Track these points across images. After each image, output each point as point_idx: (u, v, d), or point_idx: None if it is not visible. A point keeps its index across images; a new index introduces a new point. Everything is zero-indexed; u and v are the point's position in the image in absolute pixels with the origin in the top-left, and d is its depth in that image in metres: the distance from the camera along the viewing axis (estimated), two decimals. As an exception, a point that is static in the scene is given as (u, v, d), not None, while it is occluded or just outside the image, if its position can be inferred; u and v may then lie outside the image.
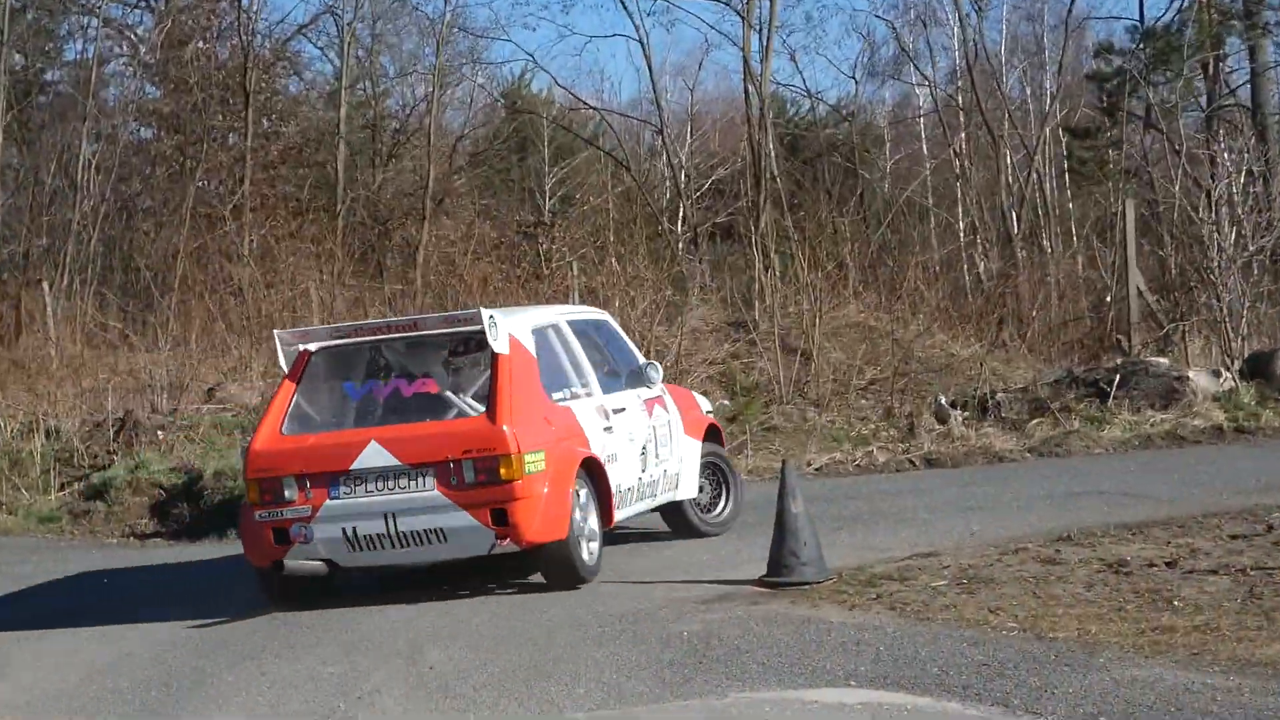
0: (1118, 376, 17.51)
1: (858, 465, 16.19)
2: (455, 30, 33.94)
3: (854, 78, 37.92)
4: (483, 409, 10.44)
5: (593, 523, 10.74)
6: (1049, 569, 9.86)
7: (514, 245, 25.89)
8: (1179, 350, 19.88)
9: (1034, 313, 22.57)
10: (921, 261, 24.80)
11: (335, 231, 28.19)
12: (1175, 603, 8.63)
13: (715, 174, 35.89)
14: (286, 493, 10.39)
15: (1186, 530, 11.03)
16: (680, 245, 29.21)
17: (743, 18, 30.37)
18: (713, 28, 55.52)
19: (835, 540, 11.17)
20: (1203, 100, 33.30)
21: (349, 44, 33.00)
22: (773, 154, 28.98)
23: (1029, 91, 38.98)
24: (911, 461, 16.13)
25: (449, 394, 10.81)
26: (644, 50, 31.74)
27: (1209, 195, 21.31)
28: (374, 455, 10.27)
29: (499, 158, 38.64)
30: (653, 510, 12.09)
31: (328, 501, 10.32)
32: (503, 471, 10.10)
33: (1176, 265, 21.44)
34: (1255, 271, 20.96)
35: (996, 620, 8.51)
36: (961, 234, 30.85)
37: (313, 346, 11.09)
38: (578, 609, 9.71)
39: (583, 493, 10.64)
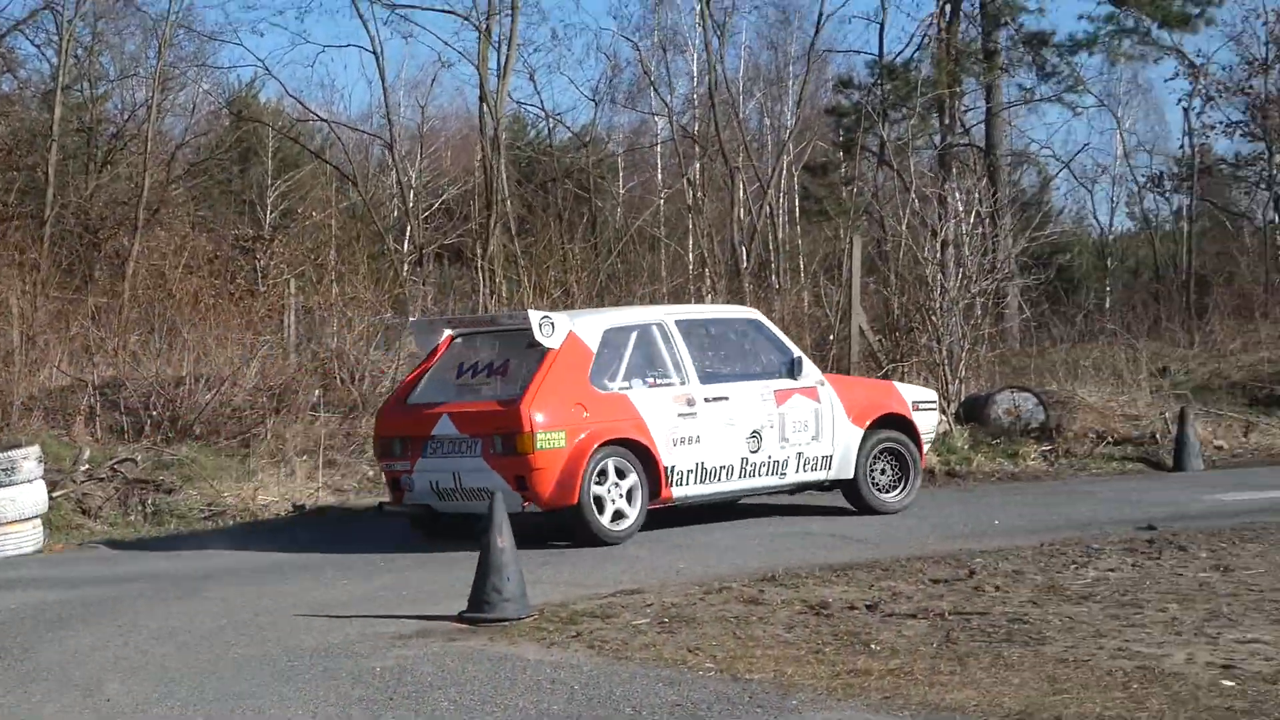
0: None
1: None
2: (181, 31, 33.32)
3: (594, 100, 38.15)
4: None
5: (625, 492, 13.44)
6: (751, 609, 10.05)
7: (229, 260, 25.53)
8: (899, 391, 20.41)
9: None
10: (649, 292, 25.10)
11: (42, 240, 27.49)
12: (873, 645, 8.82)
13: (446, 194, 35.85)
14: (395, 450, 13.95)
15: (890, 573, 11.34)
16: (405, 266, 29.12)
17: (481, 32, 30.39)
18: (448, 44, 55.49)
19: (540, 576, 11.26)
20: (937, 139, 34.35)
21: (67, 42, 32.16)
22: (505, 176, 29.06)
23: (768, 123, 39.70)
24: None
25: (510, 379, 13.68)
26: (378, 62, 31.55)
27: (935, 235, 21.98)
28: (445, 426, 13.53)
29: (220, 167, 37.99)
30: (788, 490, 14.81)
31: (420, 459, 13.68)
32: (519, 445, 13.06)
33: (900, 305, 22.04)
34: (977, 313, 21.65)
35: (695, 660, 8.65)
36: (690, 266, 31.25)
37: (447, 333, 14.48)
38: (268, 643, 9.63)
39: (610, 466, 13.33)
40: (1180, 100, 32.71)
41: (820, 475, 14.79)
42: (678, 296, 26.48)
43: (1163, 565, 11.35)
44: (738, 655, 8.71)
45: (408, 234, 32.52)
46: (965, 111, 35.82)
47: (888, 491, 14.99)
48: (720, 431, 14.06)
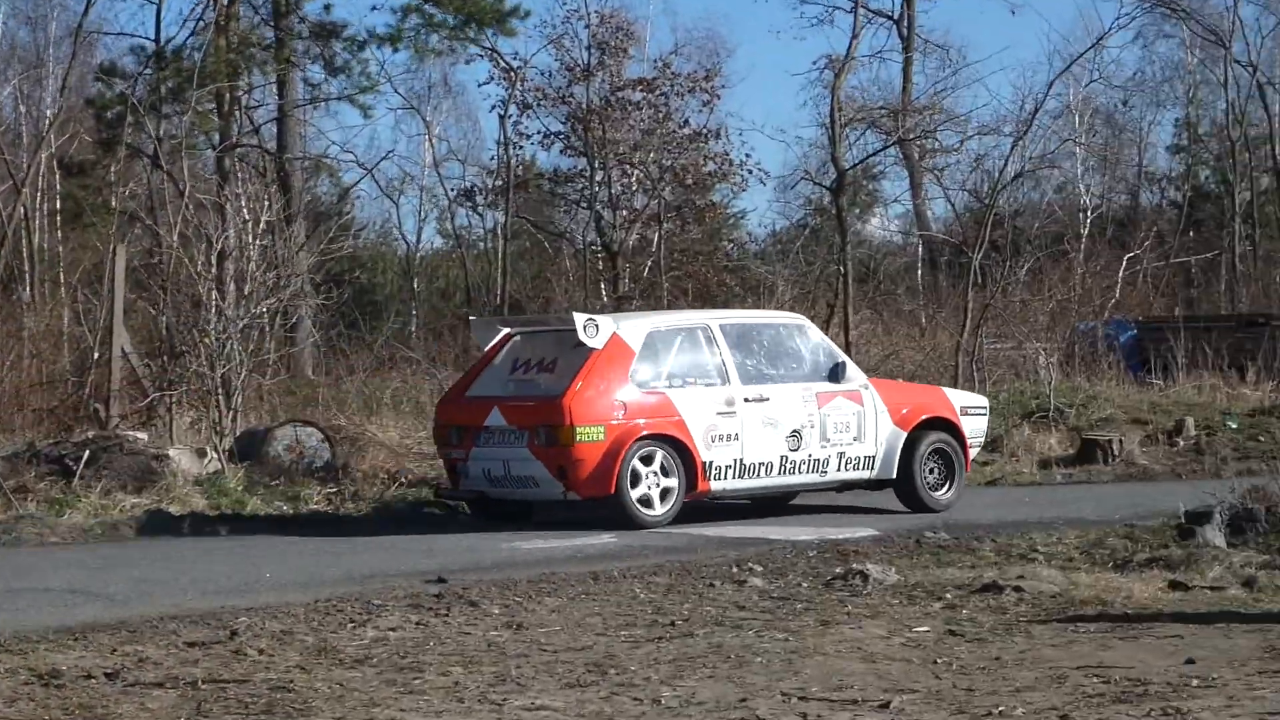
0: (87, 452, 17.25)
1: None
2: None
3: None
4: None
5: (662, 484, 16.25)
6: (-40, 682, 9.38)
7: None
8: (165, 424, 19.87)
9: (2, 373, 21.94)
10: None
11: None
12: (109, 721, 8.40)
13: None
14: (452, 438, 16.87)
15: (138, 635, 10.83)
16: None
17: None
18: None
19: None
20: (217, 138, 33.80)
21: None
22: None
23: (24, 110, 38.29)
24: None
25: (558, 376, 16.34)
26: None
27: (211, 246, 21.52)
28: (496, 417, 16.34)
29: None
30: (833, 488, 17.64)
31: (474, 449, 16.53)
32: (561, 437, 15.85)
33: (171, 325, 21.40)
34: (260, 336, 21.22)
35: None
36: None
37: (504, 331, 17.39)
38: None
39: (650, 458, 16.16)
40: (494, 107, 32.89)
41: (863, 474, 17.46)
42: None
43: (450, 623, 11.27)
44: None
45: None
46: (254, 109, 35.45)
47: (936, 490, 17.58)
48: (759, 430, 16.73)
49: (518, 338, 17.35)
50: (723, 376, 16.82)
